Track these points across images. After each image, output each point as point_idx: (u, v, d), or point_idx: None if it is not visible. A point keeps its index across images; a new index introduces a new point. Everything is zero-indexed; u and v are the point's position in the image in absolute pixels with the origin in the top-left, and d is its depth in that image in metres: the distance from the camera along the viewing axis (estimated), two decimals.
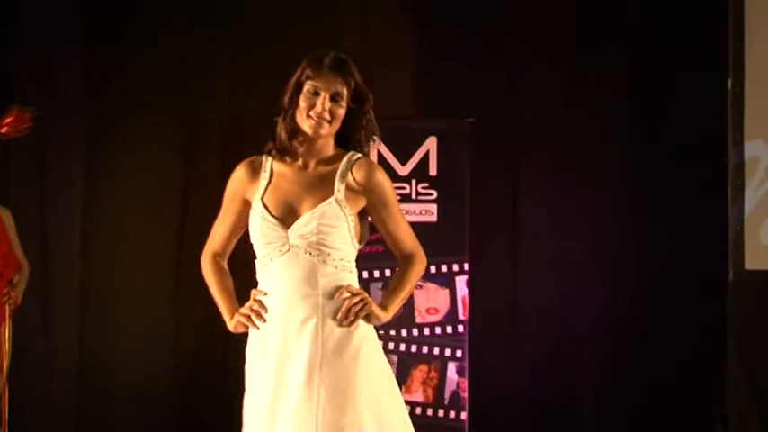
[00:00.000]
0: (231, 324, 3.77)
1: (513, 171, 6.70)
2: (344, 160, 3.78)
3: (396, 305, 3.80)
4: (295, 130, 3.76)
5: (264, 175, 3.80)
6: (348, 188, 3.76)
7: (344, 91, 3.73)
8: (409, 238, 3.85)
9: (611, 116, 6.78)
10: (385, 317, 3.75)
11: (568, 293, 6.64)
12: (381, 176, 3.80)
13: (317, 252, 3.70)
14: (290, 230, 3.71)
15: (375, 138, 3.85)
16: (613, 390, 6.64)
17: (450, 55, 6.52)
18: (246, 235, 3.78)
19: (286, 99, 3.76)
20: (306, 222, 3.71)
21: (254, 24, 6.77)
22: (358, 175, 3.75)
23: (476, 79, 6.52)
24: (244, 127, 6.45)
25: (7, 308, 6.15)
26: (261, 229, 3.73)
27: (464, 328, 6.18)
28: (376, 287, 6.06)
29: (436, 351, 6.24)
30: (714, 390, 6.48)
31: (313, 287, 3.70)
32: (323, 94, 3.71)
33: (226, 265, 3.94)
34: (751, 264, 6.49)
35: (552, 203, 6.70)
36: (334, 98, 3.73)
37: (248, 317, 3.73)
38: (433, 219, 6.24)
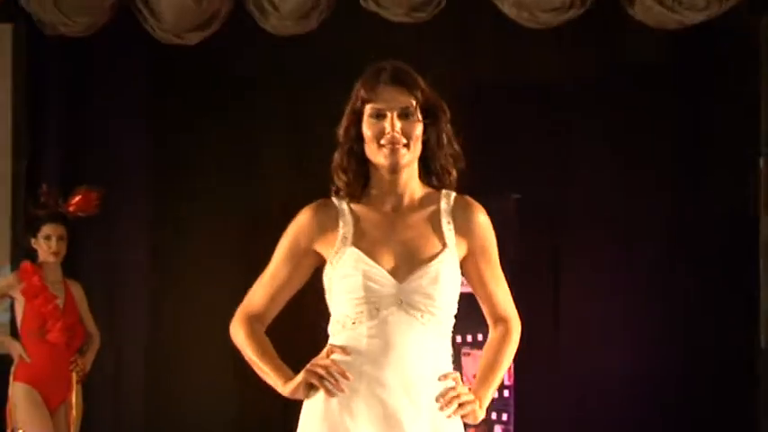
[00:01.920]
0: (289, 387, 3.12)
1: (554, 247, 6.85)
2: (444, 200, 3.17)
3: (489, 397, 3.20)
4: (363, 170, 3.15)
5: (344, 219, 3.14)
6: (455, 236, 3.14)
7: (413, 104, 3.09)
8: (506, 300, 3.23)
9: (654, 193, 6.92)
10: (481, 416, 3.19)
11: (607, 361, 6.75)
12: (486, 219, 3.18)
13: (429, 316, 3.09)
14: (402, 286, 3.07)
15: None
16: None
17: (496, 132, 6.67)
18: None
19: (341, 132, 3.14)
20: (423, 276, 3.08)
21: (311, 103, 6.83)
22: (462, 215, 3.14)
23: (521, 154, 6.73)
24: (302, 202, 6.58)
25: (74, 375, 6.32)
26: (364, 279, 3.08)
27: (509, 393, 6.39)
28: None
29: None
30: None
31: (419, 360, 3.09)
32: (388, 114, 3.08)
33: (263, 332, 3.25)
34: None
35: (592, 278, 6.80)
36: (404, 115, 3.09)
37: (321, 378, 3.09)
38: None
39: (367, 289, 3.04)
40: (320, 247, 3.12)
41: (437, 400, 3.05)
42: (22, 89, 7.15)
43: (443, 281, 3.06)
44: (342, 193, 3.13)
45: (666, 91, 7.03)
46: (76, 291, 6.47)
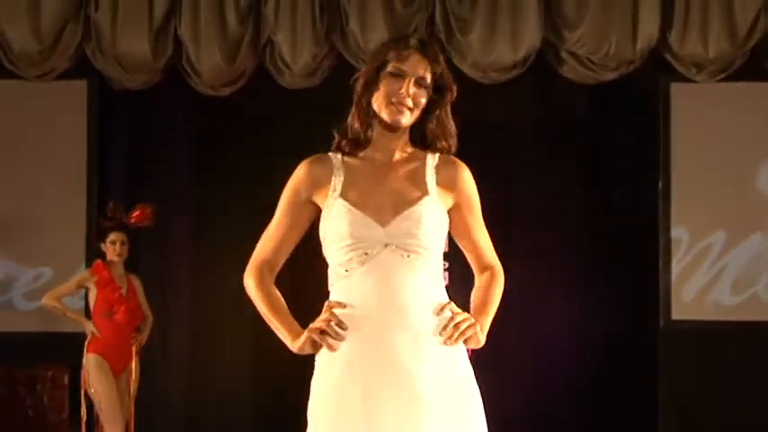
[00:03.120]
0: (296, 344, 3.02)
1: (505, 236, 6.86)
2: (431, 157, 3.08)
3: (488, 326, 3.07)
4: (370, 120, 3.04)
5: (337, 172, 3.05)
6: (438, 185, 3.06)
7: (429, 77, 3.02)
8: (490, 249, 3.16)
9: (572, 207, 7.22)
10: (483, 341, 3.06)
11: (540, 341, 7.01)
12: (469, 175, 3.11)
13: (416, 256, 2.97)
14: (386, 228, 2.98)
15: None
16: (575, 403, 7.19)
17: None
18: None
19: (360, 85, 3.04)
20: (407, 218, 2.99)
21: (316, 141, 6.94)
22: (448, 172, 3.06)
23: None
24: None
25: (134, 348, 6.88)
26: (350, 227, 2.96)
27: None
28: None
29: None
30: (651, 417, 6.99)
31: (413, 296, 2.96)
32: (408, 78, 2.99)
33: (273, 279, 3.14)
34: (676, 315, 7.41)
35: (530, 271, 7.08)
36: (419, 83, 3.01)
37: (322, 333, 2.98)
38: None
39: (353, 236, 2.93)
40: (316, 198, 3.06)
41: (439, 334, 2.94)
42: (95, 129, 7.59)
43: (425, 222, 2.96)
44: (342, 145, 3.04)
45: (588, 129, 7.50)
46: (136, 283, 6.99)
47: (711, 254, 7.33)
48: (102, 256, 6.91)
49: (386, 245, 2.94)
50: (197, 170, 7.71)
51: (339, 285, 2.98)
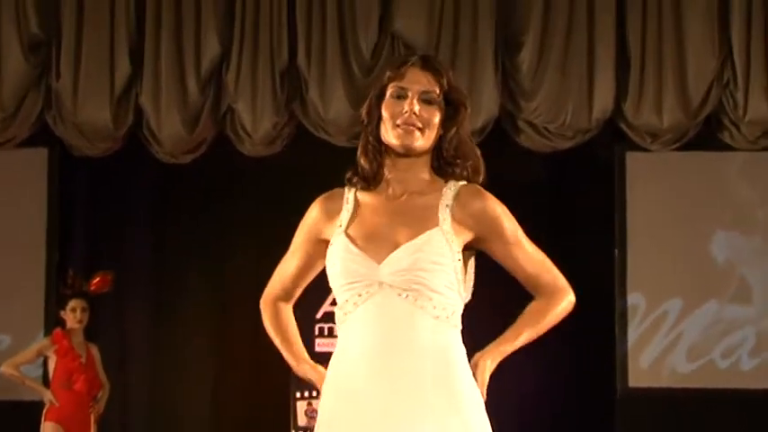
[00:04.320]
0: (299, 370, 2.91)
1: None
2: (448, 187, 2.79)
3: (502, 355, 2.80)
4: (380, 150, 2.78)
5: (347, 207, 2.82)
6: (454, 219, 2.76)
7: (437, 91, 2.74)
8: (545, 273, 2.83)
9: None
10: (486, 379, 2.78)
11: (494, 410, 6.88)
12: (494, 203, 2.79)
13: (415, 295, 2.69)
14: (381, 265, 2.71)
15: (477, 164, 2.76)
16: None
17: None
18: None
19: (364, 113, 2.80)
20: (403, 255, 2.70)
21: (275, 210, 7.11)
22: (466, 203, 2.76)
23: None
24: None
25: (92, 416, 6.94)
26: (344, 264, 2.73)
27: None
28: None
29: None
30: None
31: (410, 340, 2.68)
32: (410, 94, 2.73)
33: (290, 311, 2.97)
34: (633, 382, 7.44)
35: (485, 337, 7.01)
36: (426, 99, 2.74)
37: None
38: None
39: (346, 274, 2.71)
40: (327, 236, 2.84)
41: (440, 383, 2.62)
42: (55, 196, 7.66)
43: (426, 256, 2.69)
44: (354, 181, 2.82)
45: (545, 197, 7.58)
46: (95, 351, 7.06)
47: (668, 320, 7.42)
48: (62, 323, 7.01)
49: (381, 284, 2.71)
50: (157, 237, 7.80)
51: (340, 332, 2.78)
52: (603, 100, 7.30)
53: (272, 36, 7.30)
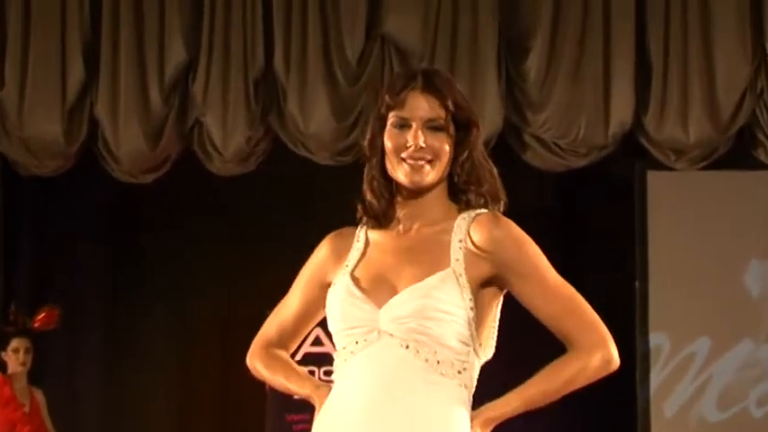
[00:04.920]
0: (320, 393, 2.63)
1: None
2: (462, 218, 2.58)
3: (504, 416, 2.54)
4: (385, 186, 2.62)
5: (357, 246, 2.65)
6: (468, 257, 2.54)
7: (444, 115, 2.57)
8: (571, 317, 2.53)
9: None
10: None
11: None
12: (513, 231, 2.56)
13: (418, 346, 2.49)
14: (382, 311, 2.52)
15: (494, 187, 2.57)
16: None
17: None
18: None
19: (367, 144, 2.63)
20: (405, 301, 2.52)
21: (247, 236, 7.11)
22: (477, 233, 2.55)
23: None
24: (240, 319, 6.41)
25: None
26: (342, 307, 2.56)
27: None
28: None
29: None
30: None
31: (407, 399, 2.47)
32: (413, 124, 2.56)
33: (287, 356, 2.72)
34: None
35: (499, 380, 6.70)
36: (432, 126, 2.57)
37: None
38: None
39: (344, 318, 2.56)
40: (331, 278, 2.69)
41: None
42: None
43: (431, 302, 2.50)
44: (364, 221, 2.67)
45: (554, 222, 7.20)
46: (40, 397, 6.78)
47: (695, 363, 7.05)
48: (3, 367, 6.71)
49: (380, 332, 2.50)
50: (111, 267, 7.52)
51: (336, 379, 2.57)
52: (621, 112, 6.83)
53: (245, 39, 6.90)
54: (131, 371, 7.33)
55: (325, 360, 6.09)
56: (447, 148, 2.55)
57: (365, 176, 2.61)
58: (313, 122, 6.86)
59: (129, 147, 6.92)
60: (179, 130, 6.99)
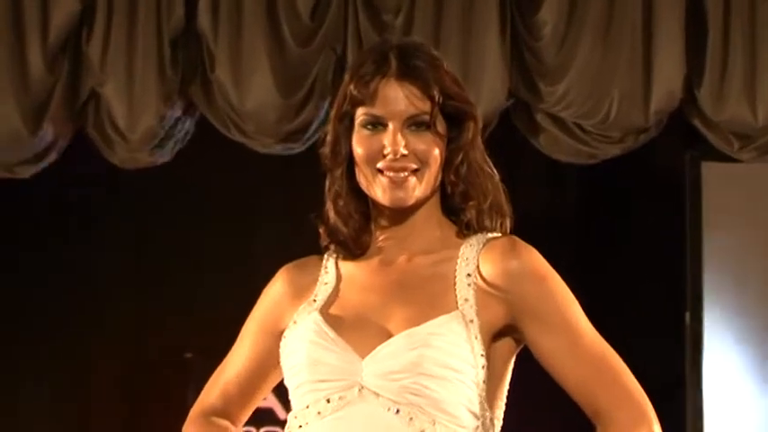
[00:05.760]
0: None
1: None
2: (468, 244, 2.37)
3: None
4: (356, 205, 2.41)
5: (325, 279, 2.43)
6: (480, 297, 2.32)
7: (428, 108, 2.34)
8: (604, 386, 2.32)
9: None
10: None
11: None
12: (534, 264, 2.35)
13: (412, 411, 2.25)
14: (365, 361, 2.28)
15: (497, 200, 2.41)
16: None
17: None
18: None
19: (327, 150, 2.40)
20: (398, 349, 2.28)
21: (158, 239, 6.71)
22: (489, 265, 2.33)
23: None
24: (148, 361, 6.39)
25: None
26: (310, 351, 2.31)
27: None
28: None
29: None
30: None
31: None
32: (390, 124, 2.34)
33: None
34: None
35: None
36: (415, 125, 2.35)
37: None
38: None
39: (313, 369, 2.26)
40: (288, 321, 2.40)
41: None
42: None
43: (428, 356, 2.22)
44: (332, 248, 2.42)
45: (579, 233, 6.81)
46: None
47: None
48: None
49: (362, 389, 2.22)
50: None
51: None
52: (667, 83, 6.24)
53: None
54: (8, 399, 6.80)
55: (266, 418, 5.93)
56: (437, 151, 2.33)
57: (327, 192, 2.38)
58: (251, 96, 6.29)
59: (0, 129, 6.42)
60: (68, 106, 6.44)
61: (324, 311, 2.32)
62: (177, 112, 6.38)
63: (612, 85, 6.26)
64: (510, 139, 6.28)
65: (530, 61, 6.36)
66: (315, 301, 2.36)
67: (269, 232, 6.41)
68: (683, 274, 6.42)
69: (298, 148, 6.22)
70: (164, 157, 6.39)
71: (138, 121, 6.33)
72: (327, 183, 2.36)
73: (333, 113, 2.37)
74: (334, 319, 2.30)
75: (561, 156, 6.37)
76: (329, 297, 2.36)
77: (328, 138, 2.37)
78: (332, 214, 2.37)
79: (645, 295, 6.55)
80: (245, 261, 6.10)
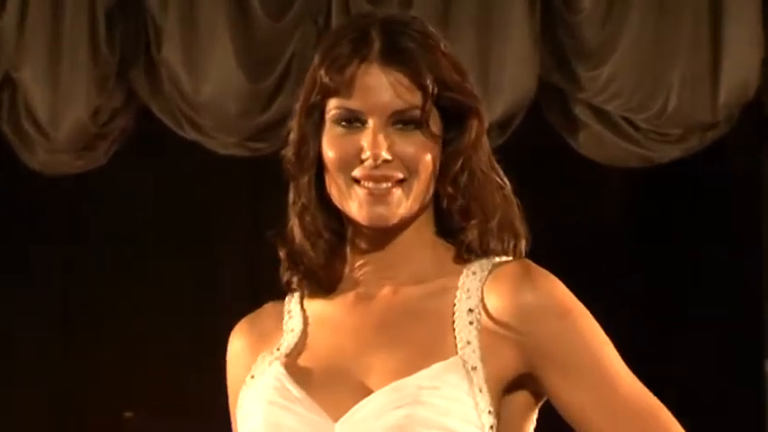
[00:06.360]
0: None
1: None
2: (470, 271, 2.14)
3: None
4: (325, 222, 2.18)
5: (290, 324, 2.21)
6: (485, 338, 2.09)
7: (419, 101, 2.10)
8: None
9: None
10: None
11: None
12: (556, 295, 2.12)
13: None
14: (339, 424, 2.08)
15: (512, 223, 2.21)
16: None
17: None
18: None
19: (291, 155, 2.19)
20: (379, 408, 2.06)
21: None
22: (495, 297, 2.10)
23: None
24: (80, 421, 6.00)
25: None
26: (268, 415, 2.12)
27: None
28: None
29: None
30: None
31: None
32: (370, 120, 2.10)
33: None
34: None
35: None
36: (402, 122, 2.11)
37: None
38: None
39: (274, 430, 2.12)
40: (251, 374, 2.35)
41: None
42: None
43: (417, 416, 2.01)
44: (295, 284, 2.23)
45: (631, 253, 6.18)
46: None
47: None
48: None
49: None
50: None
51: None
52: (740, 68, 5.71)
53: None
54: None
55: None
56: (429, 156, 2.07)
57: (291, 205, 2.14)
58: (209, 83, 5.77)
59: None
60: None
61: (288, 362, 2.13)
62: (114, 103, 5.87)
63: (671, 70, 5.73)
64: (540, 138, 5.78)
65: (565, 39, 5.87)
66: (278, 350, 2.16)
67: (233, 261, 6.11)
68: (759, 302, 6.07)
69: (268, 149, 5.73)
70: (96, 160, 5.91)
71: (64, 115, 5.83)
72: (291, 194, 2.15)
73: (298, 105, 2.13)
74: (300, 373, 2.11)
75: (605, 159, 5.87)
76: (296, 345, 2.16)
77: (292, 136, 2.14)
78: (297, 233, 2.14)
79: (719, 342, 6.13)
80: (202, 301, 5.77)
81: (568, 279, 2.13)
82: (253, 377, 2.13)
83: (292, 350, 2.13)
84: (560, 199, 6.12)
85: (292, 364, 2.11)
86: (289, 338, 2.15)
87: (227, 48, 5.76)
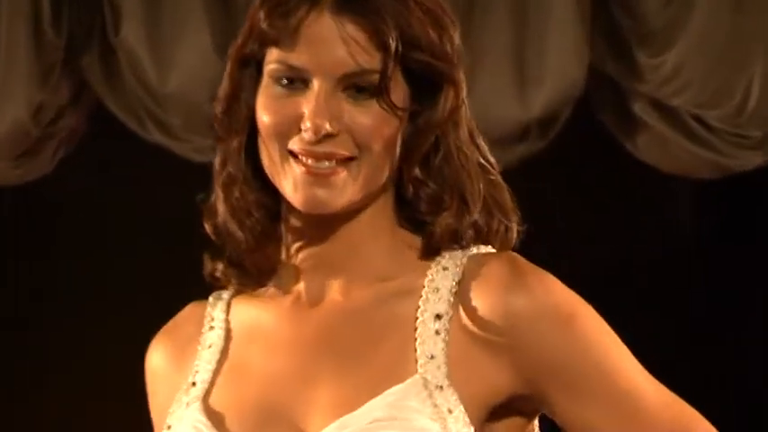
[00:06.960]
0: None
1: None
2: (438, 267, 1.91)
3: None
4: (258, 198, 1.94)
5: (210, 339, 2.00)
6: (458, 347, 1.85)
7: (377, 62, 1.86)
8: None
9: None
10: None
11: None
12: (553, 294, 1.89)
13: None
14: None
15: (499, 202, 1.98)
16: None
17: None
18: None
19: (219, 112, 1.94)
20: None
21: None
22: (479, 297, 1.87)
23: None
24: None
25: None
26: None
27: None
28: None
29: None
30: None
31: None
32: (315, 81, 1.87)
33: None
34: None
35: None
36: (354, 87, 1.87)
37: None
38: None
39: None
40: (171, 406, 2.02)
41: None
42: None
43: None
44: (224, 276, 1.92)
45: (705, 279, 5.59)
46: None
47: None
48: None
49: None
50: None
51: None
52: None
53: None
54: None
55: None
56: (386, 131, 1.85)
57: (216, 175, 1.89)
58: (176, 71, 5.30)
59: None
60: None
61: (207, 404, 1.89)
62: (61, 99, 5.40)
63: (751, 58, 5.28)
64: (590, 138, 5.32)
65: (622, 21, 5.42)
66: (194, 384, 1.92)
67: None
68: None
69: None
70: (40, 168, 5.43)
71: (3, 113, 5.30)
72: (217, 160, 1.87)
73: (231, 51, 1.88)
74: (223, 417, 1.87)
75: (671, 166, 5.39)
76: (215, 372, 1.92)
77: (221, 90, 1.87)
78: (222, 209, 1.88)
79: None
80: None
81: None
82: (169, 428, 1.92)
83: (212, 379, 1.91)
84: (611, 212, 5.65)
85: (215, 403, 1.88)
86: (205, 362, 1.91)
87: (200, 28, 5.25)
